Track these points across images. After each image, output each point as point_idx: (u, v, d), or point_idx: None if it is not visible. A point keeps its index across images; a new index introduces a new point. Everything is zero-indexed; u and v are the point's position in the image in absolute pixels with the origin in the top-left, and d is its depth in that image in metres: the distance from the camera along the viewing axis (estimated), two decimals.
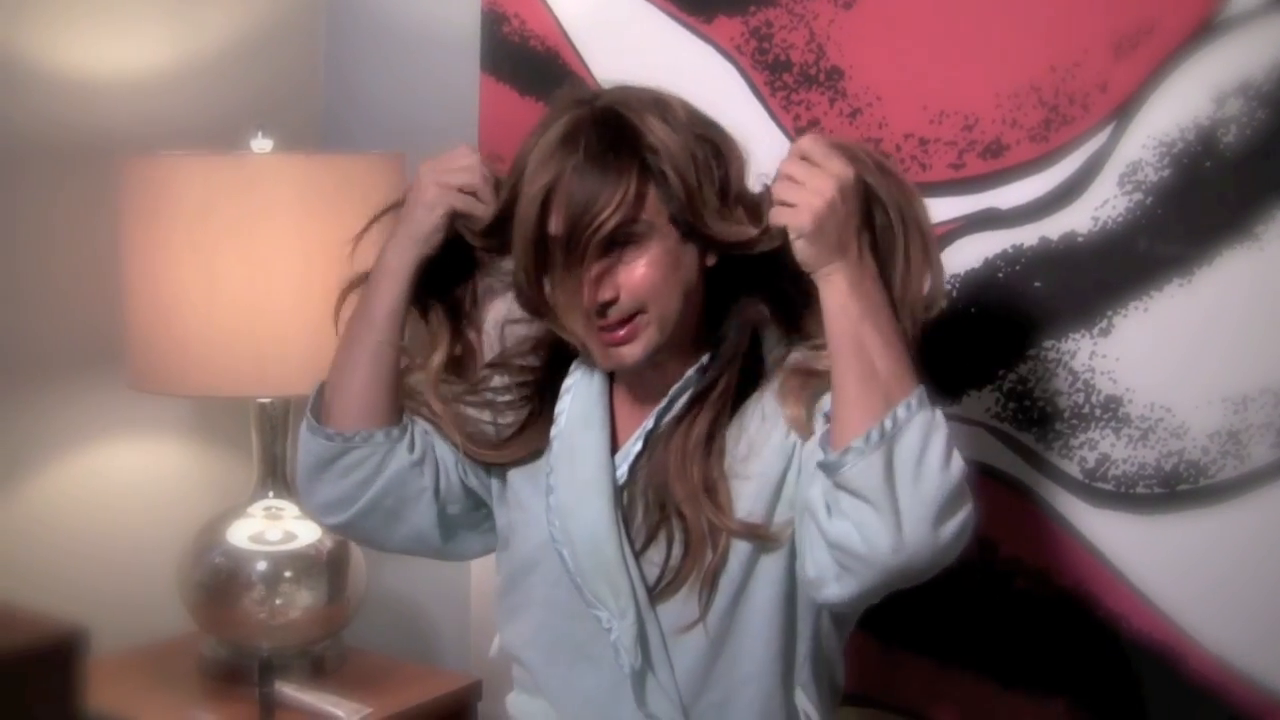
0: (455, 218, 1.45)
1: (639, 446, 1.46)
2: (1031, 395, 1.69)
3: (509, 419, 1.55)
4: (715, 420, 1.43)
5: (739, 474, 1.42)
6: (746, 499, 1.41)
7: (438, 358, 1.50)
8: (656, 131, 1.36)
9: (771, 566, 1.42)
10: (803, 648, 1.46)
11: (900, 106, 1.76)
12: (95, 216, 2.02)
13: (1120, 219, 1.63)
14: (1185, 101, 1.58)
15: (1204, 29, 1.56)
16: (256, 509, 2.06)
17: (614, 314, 1.37)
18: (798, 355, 1.42)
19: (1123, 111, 1.62)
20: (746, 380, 1.45)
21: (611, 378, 1.50)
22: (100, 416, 2.10)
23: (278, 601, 2.01)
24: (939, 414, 1.29)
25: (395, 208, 1.51)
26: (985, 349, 1.71)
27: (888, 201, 1.35)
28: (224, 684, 2.03)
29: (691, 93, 1.43)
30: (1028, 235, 1.68)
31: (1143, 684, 1.66)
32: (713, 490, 1.41)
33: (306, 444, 1.53)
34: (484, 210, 1.44)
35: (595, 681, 1.49)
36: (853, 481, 1.26)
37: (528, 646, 1.55)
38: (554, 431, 1.50)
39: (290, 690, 1.96)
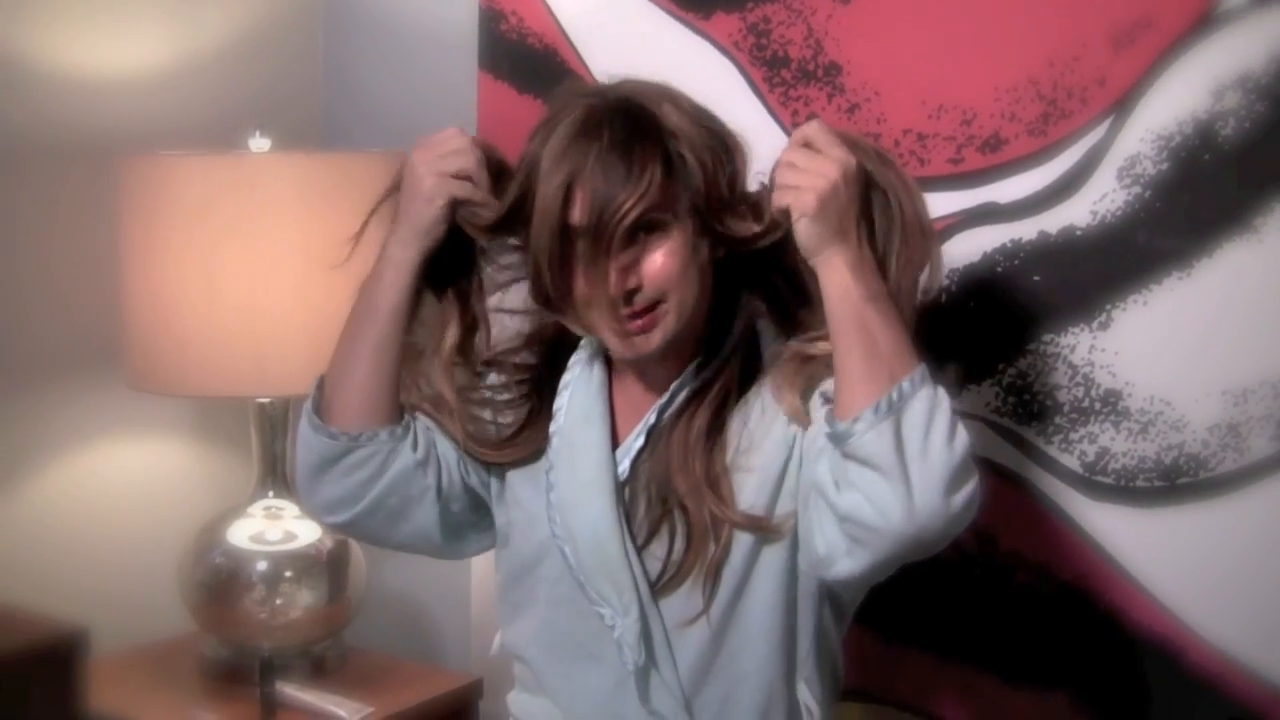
0: (457, 205, 1.44)
1: (641, 442, 1.46)
2: (1031, 389, 1.69)
3: (509, 418, 1.54)
4: (716, 414, 1.44)
5: (741, 467, 1.42)
6: (749, 492, 1.41)
7: (450, 339, 1.48)
8: (675, 120, 1.38)
9: (773, 559, 1.43)
10: (805, 641, 1.46)
11: (898, 102, 1.76)
12: (94, 216, 2.02)
13: (1119, 213, 1.63)
14: (1183, 95, 1.58)
15: (1202, 22, 1.56)
16: (256, 509, 2.06)
17: (639, 302, 1.38)
18: (794, 345, 1.42)
19: (1121, 105, 1.62)
20: (746, 374, 1.46)
21: (610, 374, 1.50)
22: (99, 416, 2.10)
23: (278, 601, 2.01)
24: (941, 390, 1.30)
25: (390, 196, 1.50)
26: (984, 343, 1.71)
27: (888, 191, 1.36)
28: (225, 684, 2.03)
29: (690, 89, 1.44)
30: (1026, 229, 1.68)
31: (1143, 677, 1.66)
32: (715, 483, 1.42)
33: (309, 443, 1.51)
34: (482, 195, 1.43)
35: (599, 679, 1.49)
36: (862, 450, 1.26)
37: (530, 645, 1.55)
38: (553, 428, 1.49)
39: (291, 690, 1.96)
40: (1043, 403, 1.69)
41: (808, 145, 1.34)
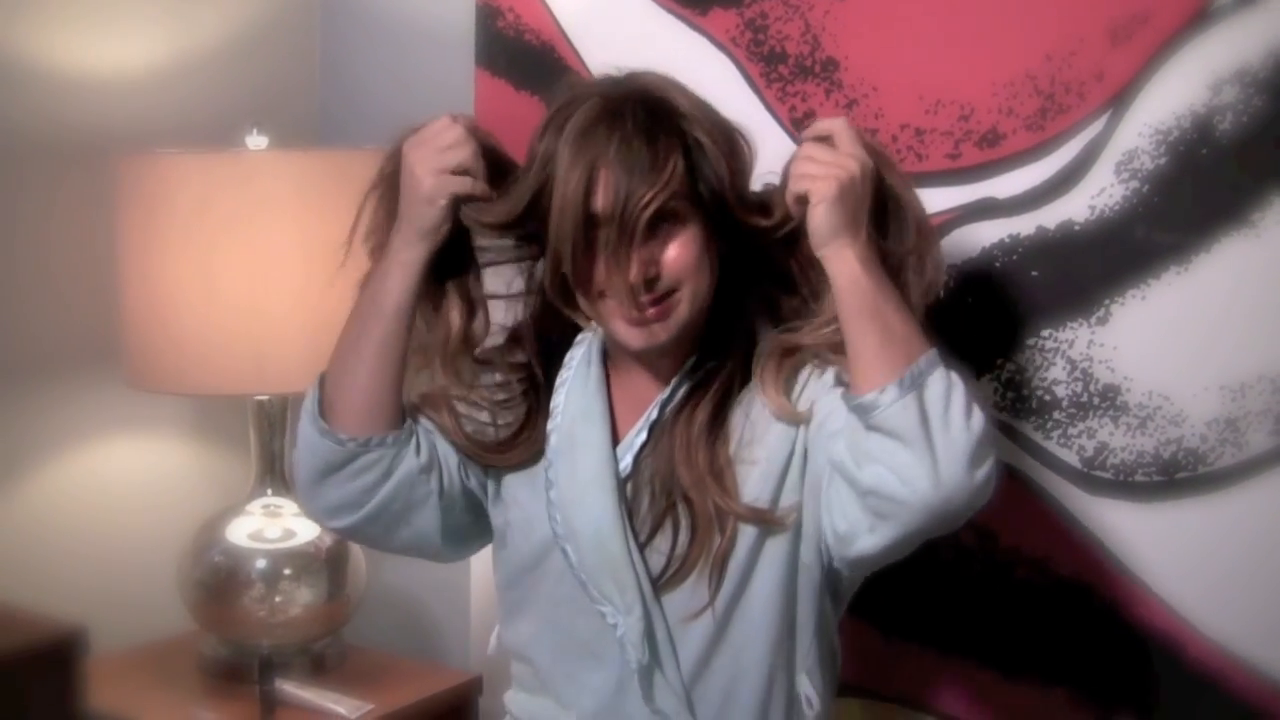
0: (459, 201, 1.43)
1: (643, 437, 1.46)
2: (1030, 384, 1.69)
3: (507, 418, 1.53)
4: (718, 407, 1.44)
5: (744, 459, 1.43)
6: (752, 484, 1.42)
7: (455, 327, 1.47)
8: (690, 110, 1.39)
9: (776, 551, 1.43)
10: (806, 633, 1.47)
11: (896, 97, 1.76)
12: (91, 214, 2.01)
13: (1117, 207, 1.62)
14: (1181, 89, 1.58)
15: (1199, 16, 1.56)
16: (255, 507, 2.06)
17: (655, 290, 1.39)
18: (775, 339, 1.44)
19: (1119, 100, 1.62)
20: (746, 368, 1.46)
21: (607, 371, 1.50)
22: (98, 415, 2.10)
23: (277, 599, 2.01)
24: (954, 373, 1.32)
25: (376, 189, 1.49)
26: (983, 339, 1.71)
27: (899, 195, 1.40)
28: (224, 682, 2.03)
29: (688, 85, 1.44)
30: (1025, 224, 1.68)
31: (1143, 672, 1.66)
32: (720, 475, 1.42)
33: (313, 448, 1.49)
34: (483, 189, 1.43)
35: (601, 678, 1.49)
36: (889, 421, 1.28)
37: (532, 644, 1.55)
38: (550, 426, 1.49)
39: (291, 688, 1.96)
40: (1041, 398, 1.69)
41: (826, 139, 1.37)
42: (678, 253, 1.38)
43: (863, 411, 1.30)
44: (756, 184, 1.46)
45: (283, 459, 2.04)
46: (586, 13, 2.02)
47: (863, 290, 1.33)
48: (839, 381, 1.38)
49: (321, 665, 2.07)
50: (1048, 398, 1.68)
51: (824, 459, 1.37)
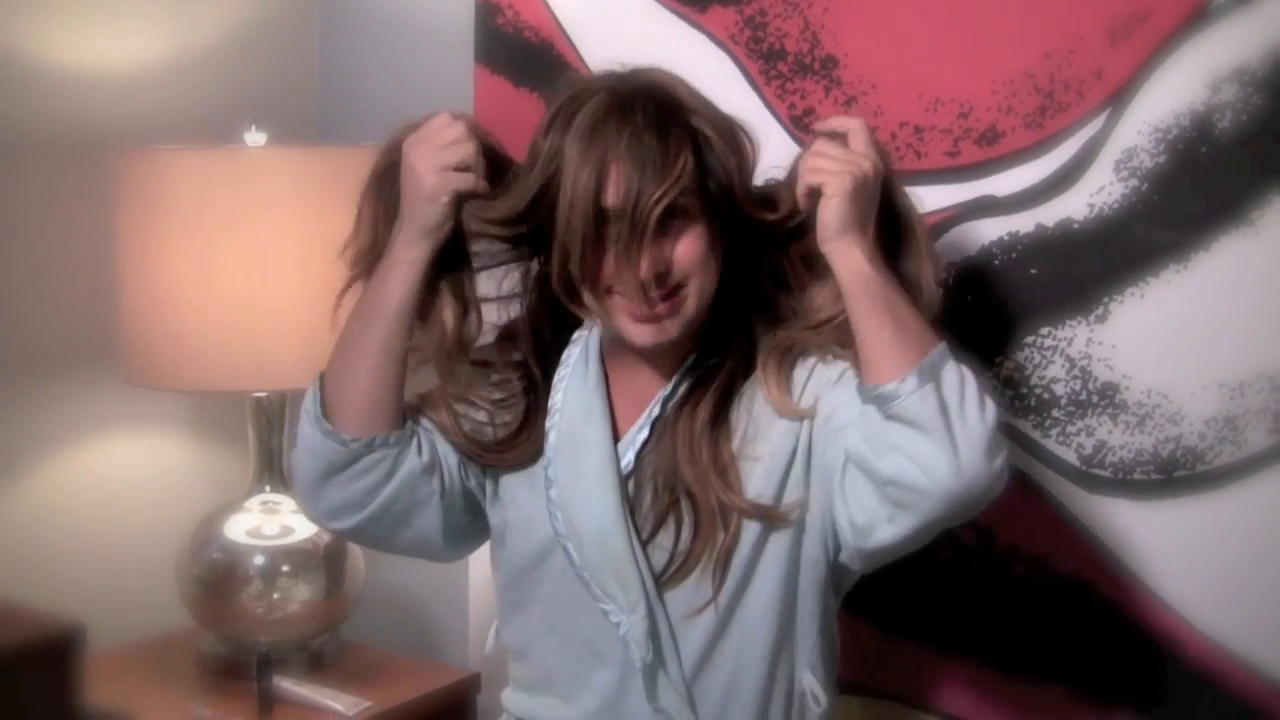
0: (460, 199, 1.42)
1: (645, 433, 1.46)
2: (1028, 382, 1.69)
3: (506, 418, 1.53)
4: (720, 404, 1.44)
5: (747, 455, 1.43)
6: (756, 480, 1.42)
7: (450, 326, 1.46)
8: (696, 106, 1.40)
9: (779, 547, 1.43)
10: (810, 629, 1.47)
11: (895, 94, 1.76)
12: (90, 211, 2.01)
13: (1116, 205, 1.62)
14: (1180, 87, 1.58)
15: (1198, 14, 1.56)
16: (253, 503, 2.05)
17: (664, 285, 1.39)
18: (776, 337, 1.45)
19: (1118, 98, 1.62)
20: (746, 364, 1.46)
21: (605, 369, 1.50)
22: (96, 412, 2.10)
23: (275, 596, 2.00)
24: (964, 366, 1.33)
25: (373, 185, 1.48)
26: (982, 336, 1.71)
27: (904, 207, 1.42)
28: (222, 679, 2.03)
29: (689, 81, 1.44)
30: (1024, 222, 1.68)
31: (1142, 670, 1.66)
32: (723, 471, 1.42)
33: (315, 449, 1.48)
34: (484, 186, 1.42)
35: (604, 676, 1.49)
36: (909, 411, 1.29)
37: (533, 643, 1.54)
38: (549, 424, 1.49)
39: (289, 684, 1.96)
40: (1040, 396, 1.69)
41: (839, 137, 1.38)
42: (687, 248, 1.38)
43: (883, 401, 1.30)
44: (757, 180, 1.47)
45: (281, 455, 2.04)
46: (586, 10, 2.02)
47: (872, 284, 1.33)
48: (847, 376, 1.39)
49: (320, 662, 2.07)
50: (1046, 396, 1.68)
51: (834, 453, 1.37)
